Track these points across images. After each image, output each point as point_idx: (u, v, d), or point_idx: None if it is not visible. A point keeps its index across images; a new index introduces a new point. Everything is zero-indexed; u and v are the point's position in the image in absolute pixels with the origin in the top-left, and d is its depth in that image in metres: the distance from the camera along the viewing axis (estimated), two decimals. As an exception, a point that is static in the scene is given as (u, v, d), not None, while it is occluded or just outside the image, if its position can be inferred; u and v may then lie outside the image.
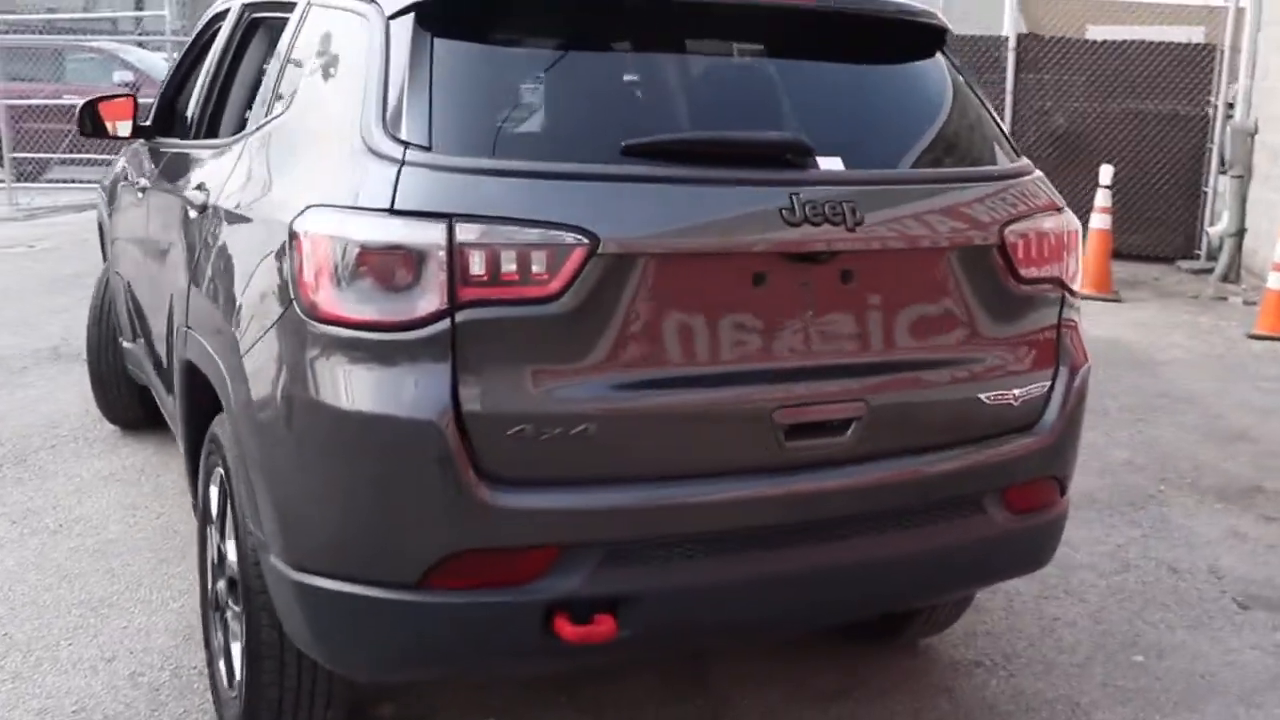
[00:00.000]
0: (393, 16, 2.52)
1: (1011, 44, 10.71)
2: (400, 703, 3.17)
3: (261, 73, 3.47)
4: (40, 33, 15.12)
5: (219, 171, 3.19)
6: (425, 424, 2.26)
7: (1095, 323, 6.91)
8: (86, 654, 3.38)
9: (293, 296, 2.36)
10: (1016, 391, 2.78)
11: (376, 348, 2.28)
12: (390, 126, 2.39)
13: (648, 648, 2.69)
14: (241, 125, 3.45)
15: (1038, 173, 2.93)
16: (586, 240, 2.29)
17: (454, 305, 2.26)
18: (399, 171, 2.32)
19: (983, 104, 2.96)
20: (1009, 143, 2.96)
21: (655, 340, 2.39)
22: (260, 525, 2.53)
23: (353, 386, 2.30)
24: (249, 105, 3.49)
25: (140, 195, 4.20)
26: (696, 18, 2.72)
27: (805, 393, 2.50)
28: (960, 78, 2.95)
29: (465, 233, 2.25)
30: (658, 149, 2.42)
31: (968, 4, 12.65)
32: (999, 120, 2.99)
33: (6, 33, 14.44)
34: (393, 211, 2.28)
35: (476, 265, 2.26)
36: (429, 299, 2.25)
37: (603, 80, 2.64)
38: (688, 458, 2.44)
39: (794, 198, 2.44)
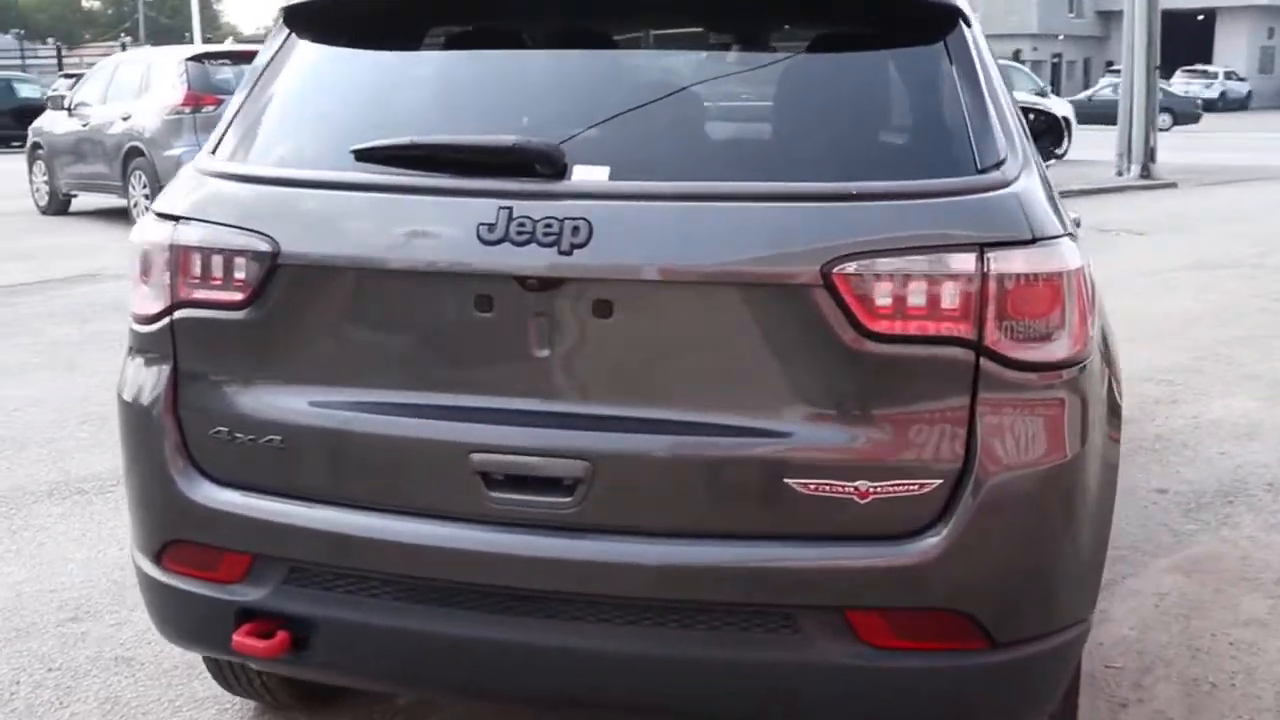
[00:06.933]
0: None
1: None
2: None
3: None
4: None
5: None
6: (148, 413, 2.37)
7: None
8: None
9: None
10: (863, 485, 2.07)
11: (133, 339, 2.44)
12: (214, 138, 2.51)
13: (337, 677, 2.50)
14: None
15: (997, 191, 2.10)
16: (269, 248, 2.22)
17: (174, 303, 2.34)
18: (176, 176, 2.45)
19: (946, 96, 2.20)
20: (969, 148, 2.16)
21: (349, 358, 2.26)
22: None
23: (123, 372, 2.48)
24: None
25: None
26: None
27: (508, 439, 2.15)
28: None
29: (184, 234, 2.32)
30: (383, 155, 2.24)
31: None
32: (965, 119, 2.18)
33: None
34: (157, 214, 2.42)
35: (190, 266, 2.31)
36: (159, 296, 2.36)
37: (378, 89, 2.49)
38: (379, 490, 2.25)
39: (504, 212, 2.10)
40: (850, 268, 2.04)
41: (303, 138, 2.47)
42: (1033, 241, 2.09)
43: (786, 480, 2.08)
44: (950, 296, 2.05)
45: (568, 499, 2.13)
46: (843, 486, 2.07)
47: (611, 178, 2.15)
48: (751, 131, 2.37)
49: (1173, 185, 18.29)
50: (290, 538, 2.28)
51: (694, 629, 2.14)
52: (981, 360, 2.06)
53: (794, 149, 2.31)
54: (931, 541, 2.08)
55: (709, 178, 2.16)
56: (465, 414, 2.19)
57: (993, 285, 2.05)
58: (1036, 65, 52.67)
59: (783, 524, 2.11)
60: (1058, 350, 2.11)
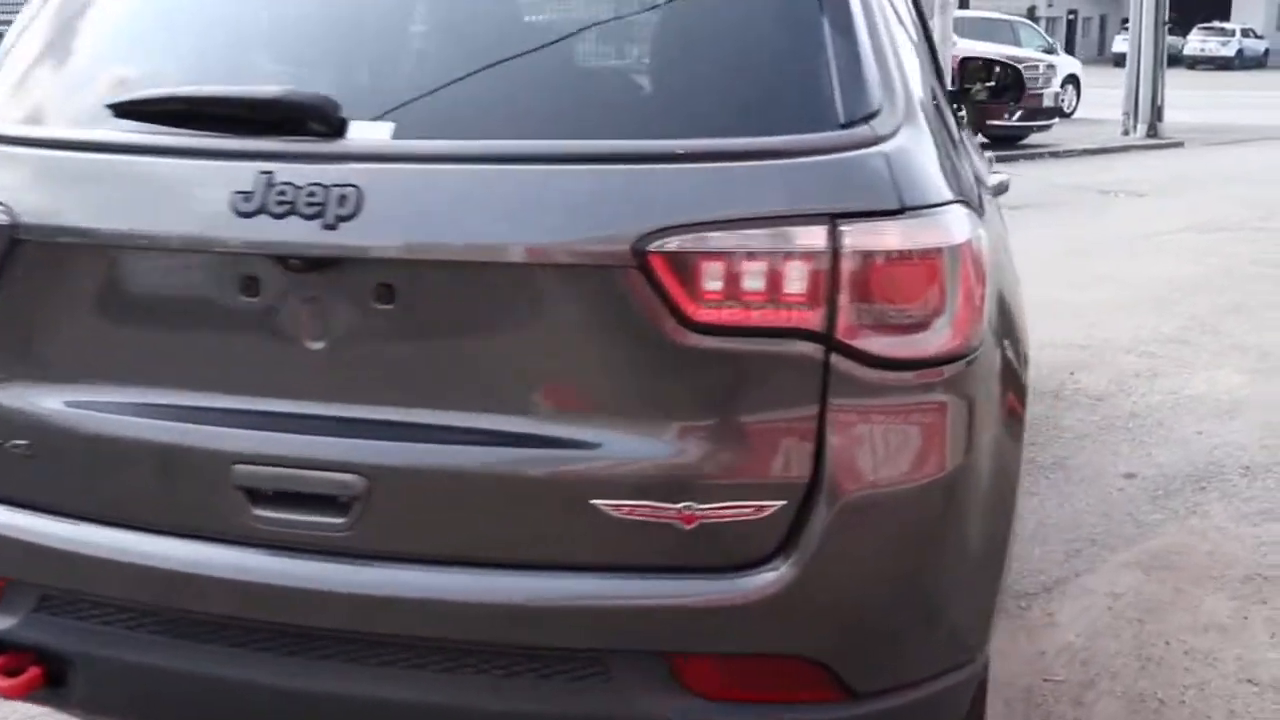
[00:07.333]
0: None
1: None
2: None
3: None
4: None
5: None
6: None
7: None
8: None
9: None
10: (688, 508, 1.72)
11: None
12: None
13: (103, 718, 2.18)
14: None
15: (859, 150, 1.73)
16: (7, 220, 1.89)
17: None
18: None
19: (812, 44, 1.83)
20: (831, 99, 1.78)
21: (101, 351, 1.93)
22: None
23: None
24: None
25: None
26: None
27: (274, 448, 1.81)
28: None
29: None
30: (143, 110, 1.88)
31: None
32: (830, 63, 1.79)
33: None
34: None
35: None
36: None
37: (161, 32, 2.13)
38: (134, 506, 1.92)
39: (263, 178, 1.75)
40: (671, 244, 1.67)
41: (69, 91, 2.11)
42: (901, 211, 1.72)
43: (594, 501, 1.73)
44: (794, 279, 1.68)
45: (341, 519, 1.79)
46: (663, 509, 1.72)
47: (395, 136, 1.79)
48: (567, 80, 2.00)
49: (1179, 145, 17.79)
50: (37, 559, 1.96)
51: (487, 673, 1.80)
52: (833, 356, 1.70)
53: (616, 100, 1.95)
54: (771, 575, 1.73)
55: (512, 135, 1.80)
56: (228, 418, 1.84)
57: (847, 264, 1.68)
58: (1051, 22, 51.69)
59: (590, 552, 1.76)
60: (935, 342, 1.74)
